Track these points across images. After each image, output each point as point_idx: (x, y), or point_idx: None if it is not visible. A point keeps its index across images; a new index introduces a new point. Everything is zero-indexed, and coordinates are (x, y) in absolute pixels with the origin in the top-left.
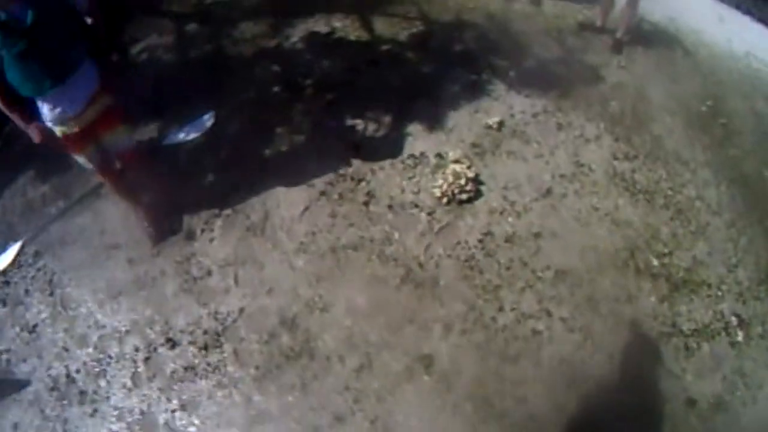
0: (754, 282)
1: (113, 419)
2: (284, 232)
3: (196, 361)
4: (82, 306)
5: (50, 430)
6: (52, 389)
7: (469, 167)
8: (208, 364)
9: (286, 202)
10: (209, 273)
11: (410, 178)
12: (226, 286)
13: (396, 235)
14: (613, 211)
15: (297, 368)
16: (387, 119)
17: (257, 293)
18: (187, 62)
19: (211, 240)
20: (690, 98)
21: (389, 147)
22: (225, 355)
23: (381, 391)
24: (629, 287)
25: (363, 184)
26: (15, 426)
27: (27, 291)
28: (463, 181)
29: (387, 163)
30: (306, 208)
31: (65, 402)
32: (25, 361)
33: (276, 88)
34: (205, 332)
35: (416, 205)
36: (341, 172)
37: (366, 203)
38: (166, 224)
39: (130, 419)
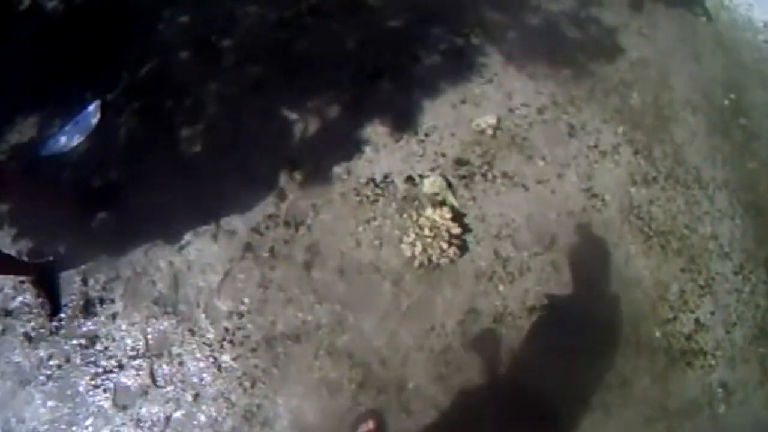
0: (747, 341)
1: None
2: (202, 311)
3: None
4: None
5: None
6: None
7: (452, 218)
8: None
9: (198, 263)
10: (120, 366)
11: (368, 222)
12: (142, 385)
13: (350, 318)
14: (623, 266)
15: None
16: (335, 113)
17: (181, 398)
18: (66, 15)
19: (114, 316)
20: (713, 87)
21: (338, 164)
22: None
23: None
24: (625, 370)
25: (303, 231)
26: None
27: None
28: (443, 240)
29: (336, 193)
30: (227, 274)
31: None
32: None
33: (184, 54)
34: None
35: (377, 269)
36: (271, 210)
37: (308, 265)
38: (58, 285)
39: None
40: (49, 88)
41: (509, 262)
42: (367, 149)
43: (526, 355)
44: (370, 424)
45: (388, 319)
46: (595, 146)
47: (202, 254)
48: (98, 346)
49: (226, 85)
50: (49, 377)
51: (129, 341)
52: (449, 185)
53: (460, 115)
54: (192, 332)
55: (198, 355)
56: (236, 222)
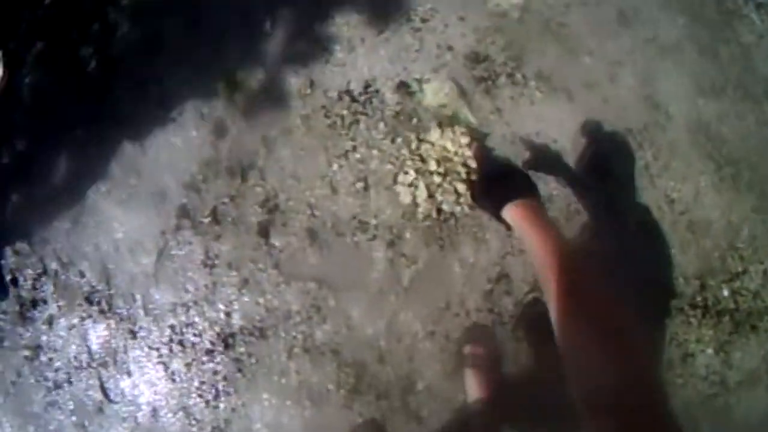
0: None
1: None
2: (140, 306)
3: None
4: None
5: None
6: None
7: (469, 143)
8: None
9: (126, 241)
10: (69, 380)
11: (346, 155)
12: (96, 401)
13: (330, 300)
14: (692, 204)
15: None
16: None
17: (138, 415)
18: None
19: (50, 321)
20: None
21: (296, 74)
22: None
23: None
24: (689, 341)
25: (253, 178)
26: None
27: None
28: (459, 177)
29: (296, 116)
30: (161, 253)
31: None
32: None
33: None
34: None
35: (363, 226)
36: (208, 154)
37: (264, 228)
38: None
39: None
40: None
41: (552, 201)
42: (338, 48)
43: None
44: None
45: (384, 299)
46: (653, 40)
47: (129, 229)
48: (43, 358)
49: None
50: (6, 394)
51: (72, 349)
52: (462, 92)
53: None
54: (133, 334)
55: (146, 363)
56: (164, 178)
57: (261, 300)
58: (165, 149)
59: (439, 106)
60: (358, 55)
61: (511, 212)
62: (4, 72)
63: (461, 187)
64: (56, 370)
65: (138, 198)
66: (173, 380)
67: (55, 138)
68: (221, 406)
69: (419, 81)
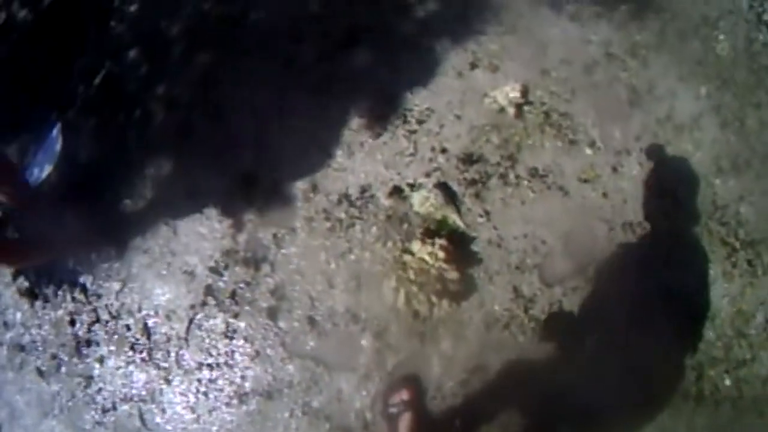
0: None
1: None
2: (174, 361)
3: None
4: None
5: None
6: None
7: (450, 252)
8: None
9: (164, 308)
10: (114, 407)
11: (343, 256)
12: (135, 427)
13: (326, 377)
14: (695, 296)
15: None
16: (297, 104)
17: None
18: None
19: (101, 360)
20: None
21: (302, 178)
22: None
23: None
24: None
25: (265, 269)
26: None
27: None
28: (434, 289)
29: (300, 218)
30: (191, 321)
31: None
32: None
33: (134, 53)
34: None
35: (355, 318)
36: (229, 245)
37: (273, 313)
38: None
39: None
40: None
41: (534, 303)
42: (339, 153)
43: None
44: (404, 394)
45: (371, 379)
46: (668, 118)
47: (166, 299)
48: (93, 387)
49: (173, 85)
50: (62, 409)
51: (118, 384)
52: (452, 197)
53: (469, 86)
54: (168, 382)
55: (177, 405)
56: (193, 260)
57: (269, 369)
58: (194, 236)
59: (427, 213)
60: (357, 159)
61: None
62: (62, 140)
63: (434, 298)
64: (105, 398)
65: (173, 274)
66: (198, 421)
67: (107, 211)
68: None
69: (411, 186)
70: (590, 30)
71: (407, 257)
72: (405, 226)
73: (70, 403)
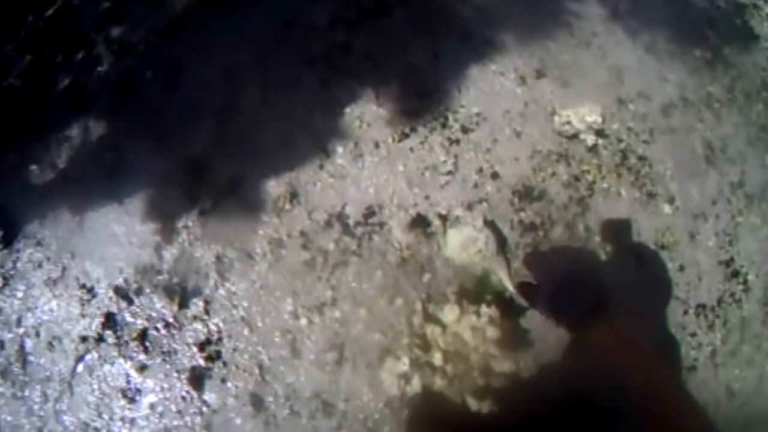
0: None
1: None
2: (52, 408)
3: None
4: None
5: None
6: None
7: (500, 330)
8: None
9: (47, 330)
10: None
11: (320, 308)
12: None
13: None
14: (753, 394)
15: None
16: (287, 75)
17: None
18: None
19: None
20: None
21: (276, 178)
22: None
23: None
24: None
25: (196, 307)
26: None
27: None
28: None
29: (263, 239)
30: (79, 360)
31: None
32: None
33: None
34: None
35: (329, 409)
36: (148, 259)
37: (198, 379)
38: None
39: None
40: None
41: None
42: (340, 151)
43: None
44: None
45: None
46: (740, 185)
47: (53, 316)
48: None
49: (131, 29)
50: None
51: None
52: (503, 244)
53: (533, 97)
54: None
55: None
56: (96, 270)
57: None
58: (104, 234)
59: (467, 261)
60: (366, 165)
61: (601, 336)
62: None
63: (474, 401)
64: None
65: (67, 285)
66: None
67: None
68: None
69: (444, 218)
70: (666, 67)
71: (434, 327)
72: (427, 277)
73: None
